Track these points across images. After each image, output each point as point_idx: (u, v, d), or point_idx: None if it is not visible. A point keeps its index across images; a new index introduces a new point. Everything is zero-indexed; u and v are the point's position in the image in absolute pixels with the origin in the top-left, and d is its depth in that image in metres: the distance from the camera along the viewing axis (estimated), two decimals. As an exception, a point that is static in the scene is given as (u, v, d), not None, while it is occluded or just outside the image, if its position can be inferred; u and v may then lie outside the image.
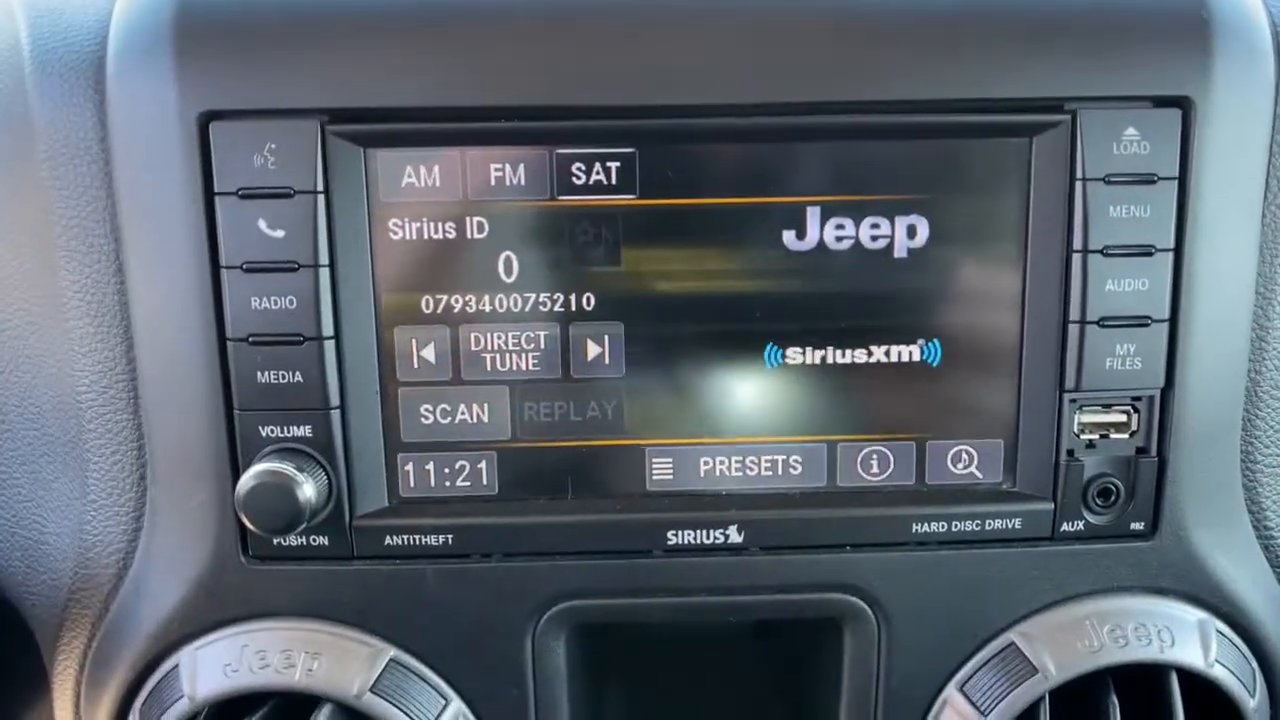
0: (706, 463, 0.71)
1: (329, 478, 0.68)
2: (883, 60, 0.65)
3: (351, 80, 0.65)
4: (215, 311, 0.67)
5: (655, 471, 0.71)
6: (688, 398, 0.70)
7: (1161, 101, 0.66)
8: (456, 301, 0.69)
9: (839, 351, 0.70)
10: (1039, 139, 0.66)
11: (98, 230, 0.69)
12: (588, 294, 0.69)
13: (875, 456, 0.71)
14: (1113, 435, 0.70)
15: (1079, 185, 0.66)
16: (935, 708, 0.74)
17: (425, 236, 0.68)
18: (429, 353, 0.69)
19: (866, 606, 0.72)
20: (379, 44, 0.65)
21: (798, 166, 0.67)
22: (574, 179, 0.67)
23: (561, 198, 0.67)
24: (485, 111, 0.66)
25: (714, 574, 0.71)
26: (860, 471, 0.71)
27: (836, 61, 0.65)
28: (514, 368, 0.70)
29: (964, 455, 0.71)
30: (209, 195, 0.66)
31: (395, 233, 0.68)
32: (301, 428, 0.68)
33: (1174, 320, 0.68)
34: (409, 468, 0.71)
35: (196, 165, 0.65)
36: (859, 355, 0.70)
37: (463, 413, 0.70)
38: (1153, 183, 0.66)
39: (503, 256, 0.68)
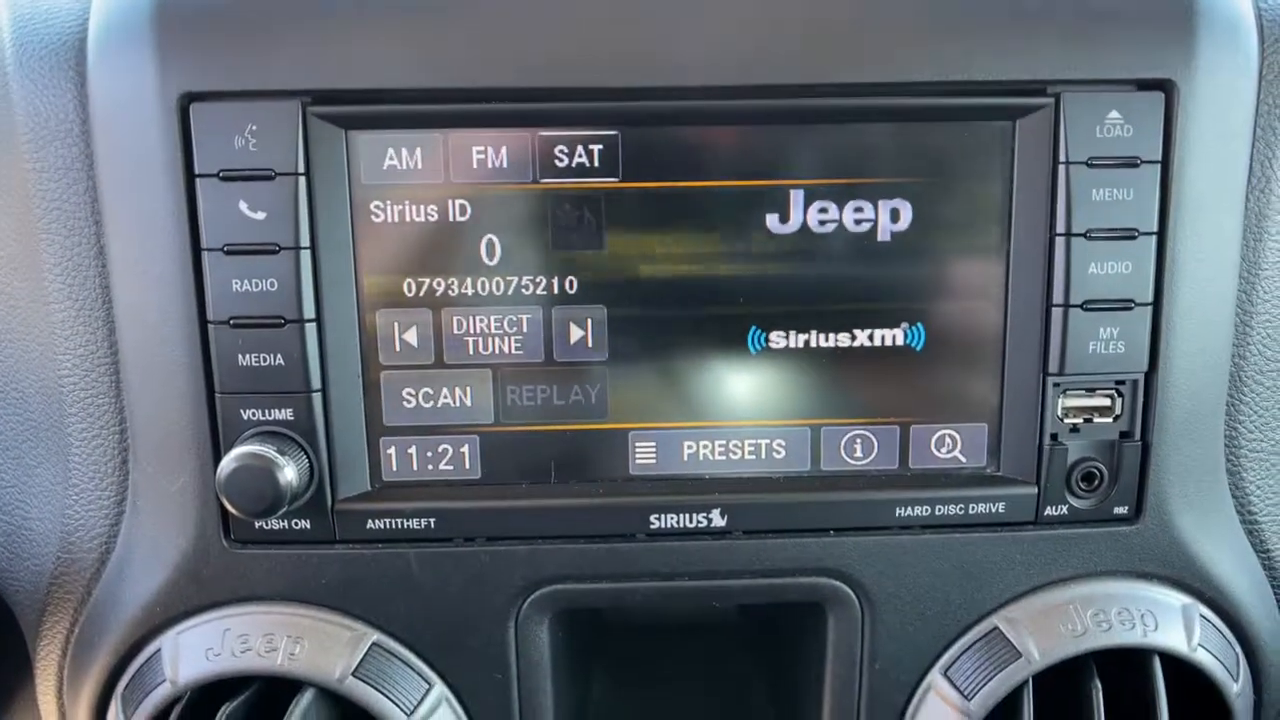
0: (690, 447, 0.71)
1: (310, 461, 0.68)
2: (866, 43, 0.65)
3: (333, 61, 0.65)
4: (196, 294, 0.66)
5: (638, 455, 0.71)
6: (671, 381, 0.70)
7: (1144, 85, 0.66)
8: (439, 285, 0.68)
9: (822, 335, 0.70)
10: (1022, 122, 0.66)
11: (79, 213, 0.69)
12: (570, 277, 0.68)
13: (859, 441, 0.71)
14: (1096, 419, 0.70)
15: (1062, 168, 0.66)
16: (919, 692, 0.74)
17: (407, 219, 0.67)
18: (411, 336, 0.69)
19: (850, 591, 0.72)
20: (361, 25, 0.65)
21: (781, 150, 0.67)
22: (557, 162, 0.67)
23: (544, 180, 0.67)
24: (467, 93, 0.65)
25: (697, 558, 0.71)
26: (844, 455, 0.71)
27: (819, 44, 0.65)
28: (496, 351, 0.69)
29: (948, 439, 0.71)
30: (190, 177, 0.65)
31: (377, 215, 0.67)
32: (283, 410, 0.67)
33: (1157, 304, 0.68)
34: (391, 451, 0.70)
35: (177, 147, 0.65)
36: (842, 339, 0.70)
37: (445, 396, 0.70)
38: (1136, 166, 0.66)
39: (485, 239, 0.68)
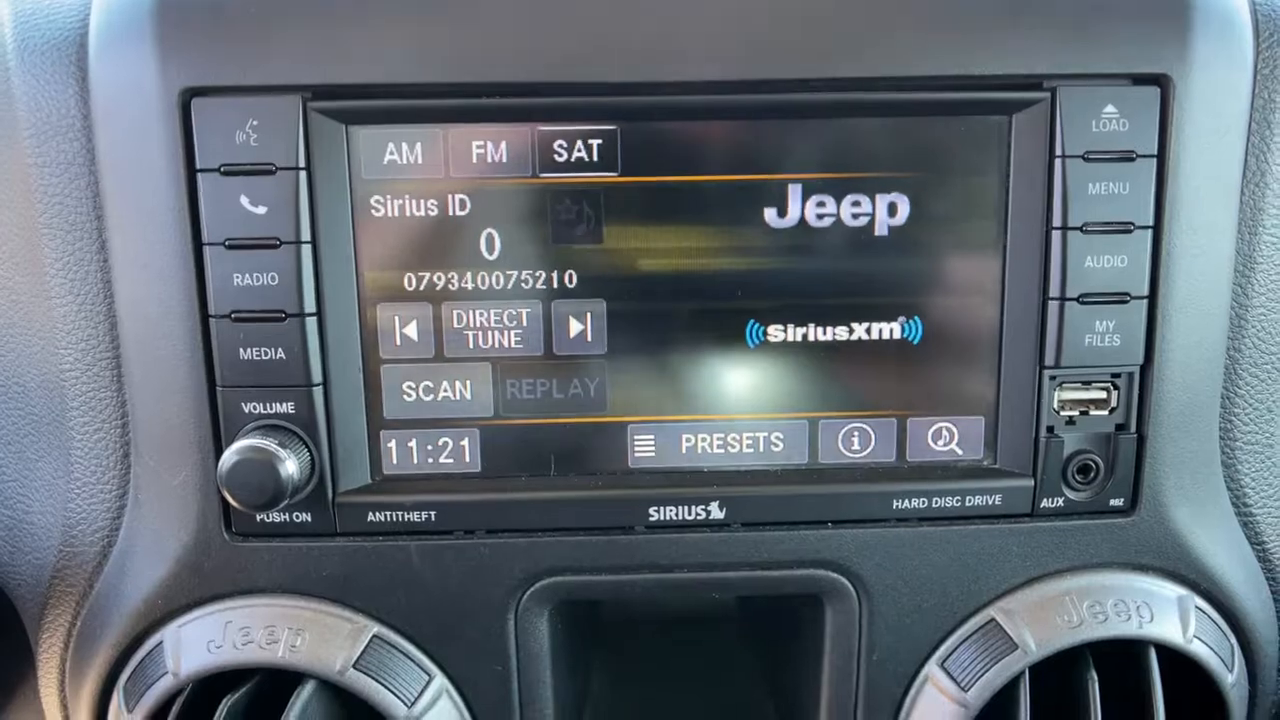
0: (688, 440, 0.71)
1: (311, 454, 0.68)
2: (863, 38, 0.65)
3: (333, 56, 0.65)
4: (198, 288, 0.67)
5: (637, 448, 0.71)
6: (670, 375, 0.70)
7: (1140, 79, 0.66)
8: (439, 279, 0.69)
9: (820, 329, 0.70)
10: (1018, 116, 0.67)
11: (81, 208, 0.69)
12: (570, 271, 0.69)
13: (856, 433, 0.72)
14: (1092, 412, 0.70)
15: (1058, 162, 0.66)
16: (916, 683, 0.74)
17: (407, 214, 0.68)
18: (411, 330, 0.69)
19: (848, 582, 0.72)
20: (361, 20, 0.65)
21: (779, 144, 0.68)
22: (556, 156, 0.67)
23: (543, 175, 0.67)
24: (467, 88, 0.66)
25: (696, 550, 0.71)
26: (841, 448, 0.72)
27: (816, 39, 0.65)
28: (496, 345, 0.70)
29: (945, 432, 0.72)
30: (191, 172, 0.66)
31: (377, 210, 0.68)
32: (284, 404, 0.68)
33: (1153, 297, 0.68)
34: (392, 445, 0.71)
35: (178, 142, 0.65)
36: (840, 333, 0.70)
37: (445, 390, 0.70)
38: (1131, 160, 0.66)
39: (485, 234, 0.68)
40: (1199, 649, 0.72)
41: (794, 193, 0.68)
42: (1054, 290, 0.68)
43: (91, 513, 0.74)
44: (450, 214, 0.68)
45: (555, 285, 0.69)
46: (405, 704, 0.70)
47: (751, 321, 0.70)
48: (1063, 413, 0.70)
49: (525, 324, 0.69)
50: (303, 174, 0.66)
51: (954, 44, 0.65)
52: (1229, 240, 0.70)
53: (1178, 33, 0.66)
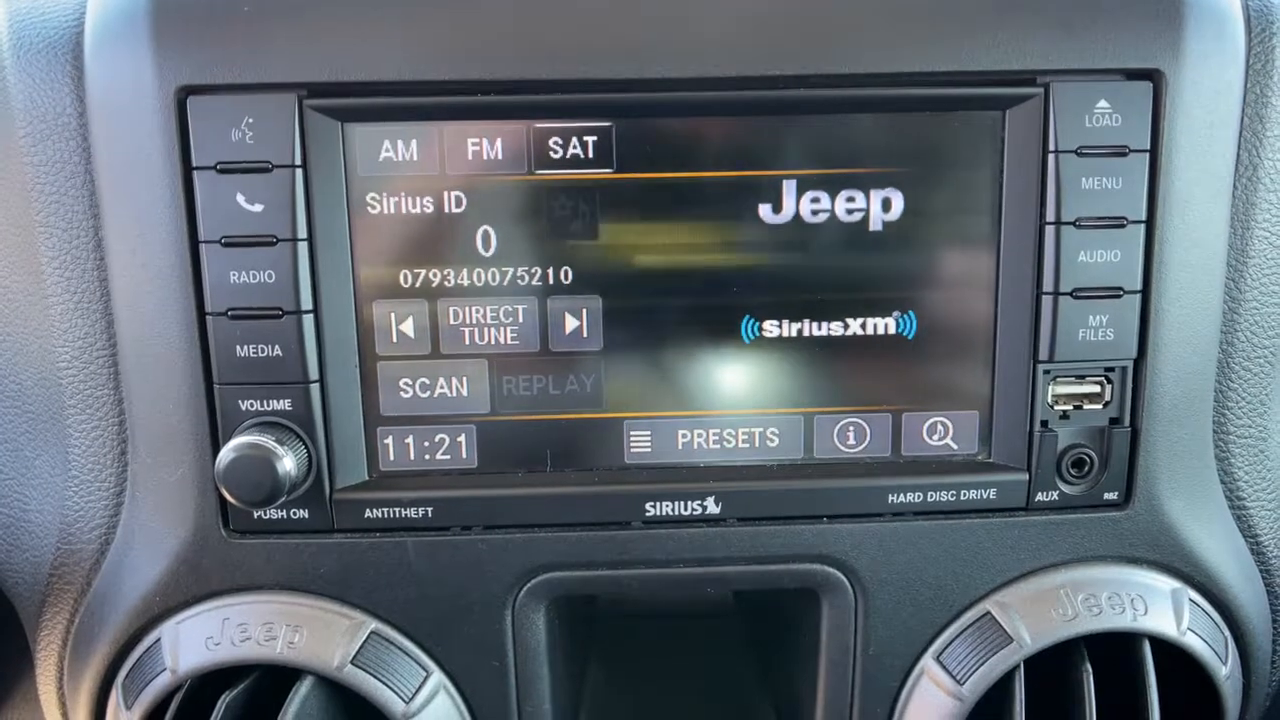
0: (684, 435, 0.72)
1: (308, 451, 0.68)
2: (857, 34, 0.66)
3: (329, 54, 0.65)
4: (194, 286, 0.67)
5: (633, 444, 0.72)
6: (665, 371, 0.71)
7: (1133, 74, 0.66)
8: (435, 276, 0.69)
9: (815, 324, 0.70)
10: (1012, 112, 0.67)
11: (77, 207, 0.70)
12: (565, 267, 0.69)
13: (852, 428, 0.72)
14: (1086, 406, 0.71)
15: (1051, 158, 0.67)
16: (912, 677, 0.75)
17: (403, 211, 0.68)
18: (408, 327, 0.70)
19: (843, 577, 0.72)
20: (356, 18, 0.65)
21: (773, 140, 0.68)
22: (551, 153, 0.67)
23: (539, 172, 0.68)
24: (462, 85, 0.66)
25: (692, 545, 0.71)
26: (837, 443, 0.72)
27: (810, 36, 0.66)
28: (492, 341, 0.70)
29: (939, 427, 0.72)
30: (187, 170, 0.66)
31: (373, 207, 0.68)
32: (281, 401, 0.68)
33: (1146, 291, 0.69)
34: (388, 441, 0.71)
35: (174, 140, 0.65)
36: (835, 328, 0.70)
37: (442, 386, 0.70)
38: (1124, 155, 0.67)
39: (481, 231, 0.68)
40: (1193, 642, 0.72)
41: (789, 188, 0.68)
42: (1048, 285, 0.68)
43: (89, 510, 0.74)
44: (446, 211, 0.68)
45: (551, 282, 0.69)
46: (403, 700, 0.70)
47: (747, 317, 0.70)
48: (1057, 407, 0.70)
49: (521, 320, 0.70)
50: (298, 171, 0.66)
51: (948, 40, 0.65)
52: (1222, 235, 0.70)
53: (1170, 28, 0.66)
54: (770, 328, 0.70)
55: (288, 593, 0.71)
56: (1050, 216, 0.67)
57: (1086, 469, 0.71)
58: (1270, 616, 0.78)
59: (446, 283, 0.69)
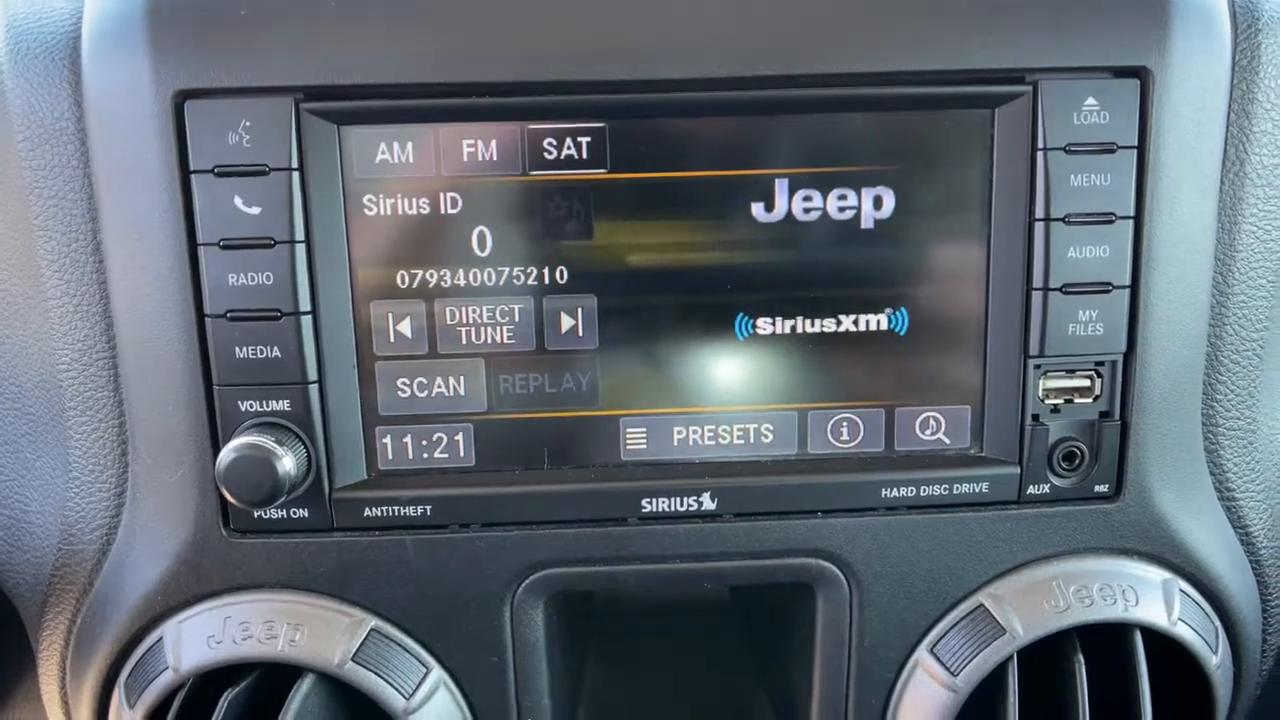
0: (680, 432, 0.72)
1: (308, 451, 0.69)
2: (847, 34, 0.66)
3: (325, 58, 0.66)
4: (193, 288, 0.68)
5: (629, 441, 0.72)
6: (660, 368, 0.71)
7: (1120, 72, 0.67)
8: (431, 276, 0.70)
9: (808, 321, 0.71)
10: (1001, 110, 0.68)
11: (75, 210, 0.70)
12: (561, 267, 0.70)
13: (845, 424, 0.73)
14: (1077, 400, 0.71)
15: (1040, 155, 0.67)
16: (907, 668, 0.75)
17: (399, 212, 0.69)
18: (405, 327, 0.70)
19: (838, 571, 0.73)
20: (352, 21, 0.66)
21: (765, 139, 0.68)
22: (545, 154, 0.68)
23: (533, 173, 0.68)
24: (457, 88, 0.66)
25: (688, 541, 0.72)
26: (830, 439, 0.73)
27: (801, 36, 0.66)
28: (489, 341, 0.71)
29: (932, 421, 0.73)
30: (185, 173, 0.66)
31: (370, 209, 0.68)
32: (280, 402, 0.69)
33: (1135, 286, 0.69)
34: (387, 440, 0.72)
35: (172, 144, 0.66)
36: (828, 324, 0.71)
37: (439, 386, 0.71)
38: (1112, 152, 0.67)
39: (476, 231, 0.69)
40: (1183, 632, 0.73)
41: (781, 187, 0.69)
42: (1037, 281, 0.69)
43: (90, 511, 0.74)
44: (442, 212, 0.69)
45: (546, 281, 0.70)
46: (404, 696, 0.71)
47: (740, 315, 0.71)
48: (1047, 401, 0.71)
49: (517, 320, 0.70)
50: (295, 174, 0.66)
51: (937, 39, 0.66)
52: (1209, 229, 0.71)
53: (1157, 25, 0.67)
54: (764, 325, 0.71)
55: (288, 591, 0.72)
56: (1040, 213, 0.68)
57: (1077, 462, 0.72)
58: (1260, 606, 0.79)
59: (443, 283, 0.70)
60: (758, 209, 0.69)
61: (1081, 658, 0.72)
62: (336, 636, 0.71)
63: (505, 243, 0.69)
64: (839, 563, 0.73)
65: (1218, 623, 0.76)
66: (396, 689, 0.71)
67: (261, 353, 0.68)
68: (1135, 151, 0.68)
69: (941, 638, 0.74)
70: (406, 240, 0.69)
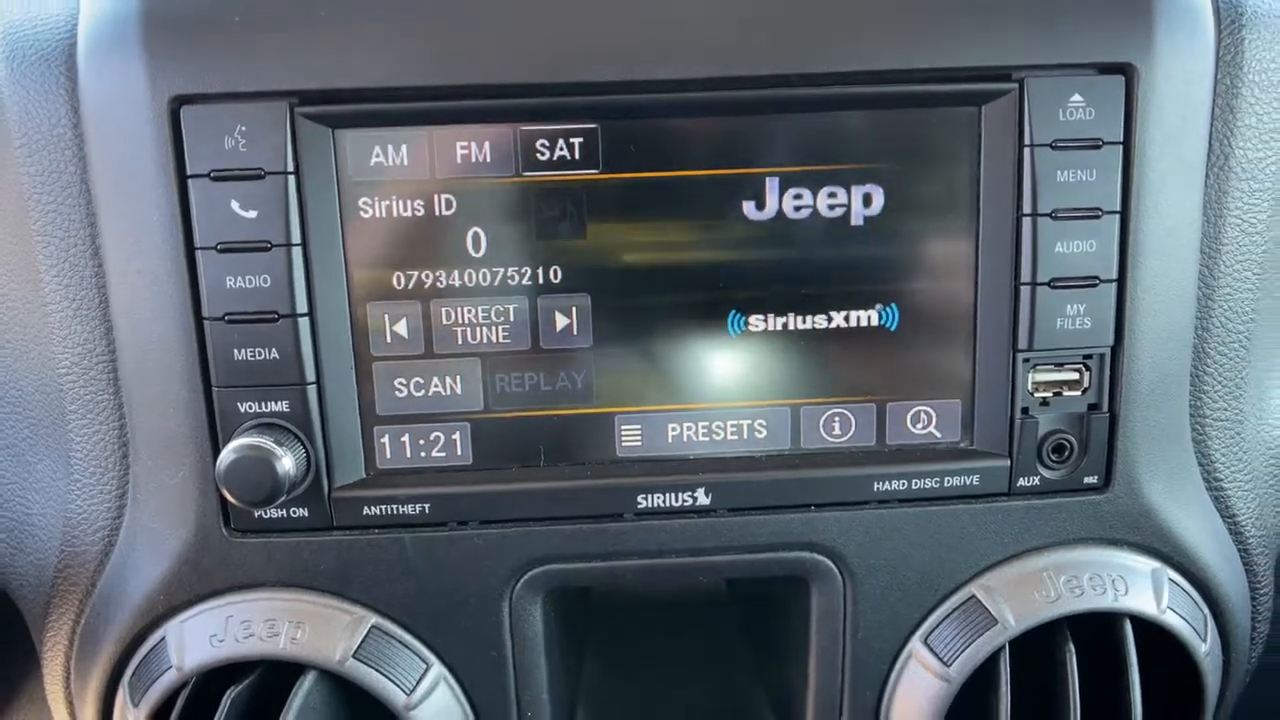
0: (674, 429, 0.73)
1: (307, 451, 0.70)
2: (835, 33, 0.67)
3: (318, 62, 0.66)
4: (191, 291, 0.68)
5: (624, 438, 0.73)
6: (654, 366, 0.72)
7: (1105, 69, 0.68)
8: (427, 277, 0.70)
9: (800, 318, 0.72)
10: (988, 107, 0.69)
11: (73, 215, 0.71)
12: (555, 267, 0.71)
13: (837, 419, 0.74)
14: (1065, 393, 0.72)
15: (1027, 151, 0.68)
16: (900, 660, 0.76)
17: (394, 214, 0.69)
18: (401, 328, 0.71)
19: (832, 564, 0.74)
20: (345, 26, 0.66)
21: (756, 139, 0.69)
22: (538, 155, 0.69)
23: (527, 174, 0.69)
24: (450, 91, 0.67)
25: (683, 535, 0.73)
26: (823, 433, 0.74)
27: (788, 36, 0.67)
28: (485, 340, 0.71)
29: (923, 415, 0.74)
30: (181, 178, 0.67)
31: (365, 211, 0.69)
32: (279, 403, 0.69)
33: (1121, 280, 0.70)
34: (385, 440, 0.73)
35: (168, 149, 0.67)
36: (819, 321, 0.72)
37: (436, 385, 0.72)
38: (1098, 148, 0.68)
39: (471, 232, 0.70)
40: (1172, 620, 0.74)
41: (771, 185, 0.70)
42: (1025, 275, 0.69)
43: (92, 512, 0.75)
44: (436, 213, 0.69)
45: (541, 281, 0.71)
46: (404, 691, 0.72)
47: (733, 312, 0.72)
48: (1037, 394, 0.72)
49: (512, 319, 0.71)
50: (291, 178, 0.67)
51: (924, 37, 0.67)
52: (1195, 223, 0.72)
53: (1141, 22, 0.67)
54: (756, 321, 0.72)
55: (289, 589, 0.73)
56: (1027, 209, 0.69)
57: (1067, 454, 0.73)
58: (1249, 594, 0.80)
59: (439, 284, 0.71)
60: (749, 207, 0.70)
61: (1072, 647, 0.73)
62: (337, 634, 0.72)
63: (499, 243, 0.70)
64: (832, 556, 0.74)
65: (1206, 611, 0.77)
66: (397, 685, 0.72)
67: (260, 354, 0.69)
68: (1121, 147, 0.68)
69: (934, 629, 0.75)
70: (402, 242, 0.70)
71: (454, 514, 0.72)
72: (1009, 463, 0.73)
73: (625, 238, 0.71)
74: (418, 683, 0.73)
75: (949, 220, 0.71)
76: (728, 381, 0.73)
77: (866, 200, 0.70)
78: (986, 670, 0.74)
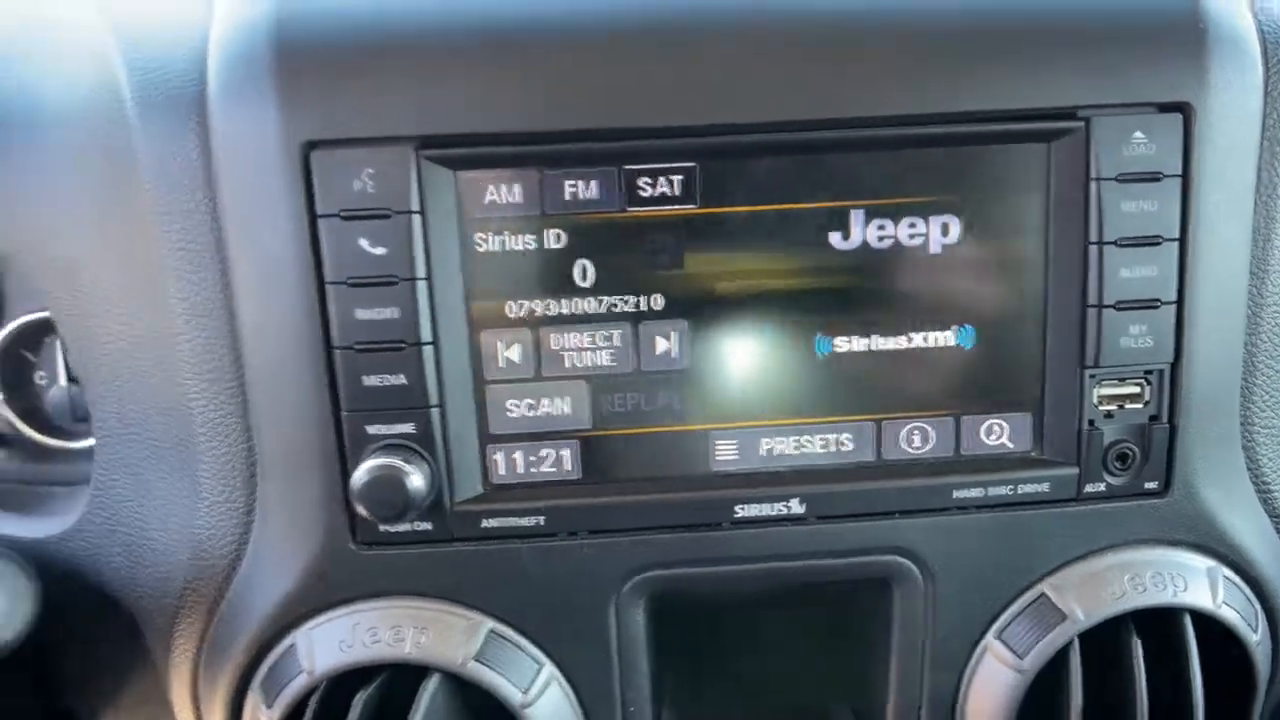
0: (766, 443, 0.79)
1: (431, 469, 0.75)
2: (917, 79, 0.72)
3: (442, 109, 0.71)
4: (321, 323, 0.73)
5: (720, 452, 0.79)
6: (748, 385, 0.78)
7: (1165, 107, 0.74)
8: (538, 306, 0.76)
9: (882, 339, 0.77)
10: (1056, 144, 0.74)
11: (204, 251, 0.75)
12: (656, 295, 0.76)
13: (917, 432, 0.79)
14: (1128, 406, 0.78)
15: (1094, 185, 0.74)
16: (976, 654, 0.82)
17: (508, 248, 0.75)
18: (514, 353, 0.76)
19: (914, 566, 0.80)
20: (466, 75, 0.71)
21: (841, 174, 0.74)
22: (641, 192, 0.74)
23: (631, 209, 0.74)
24: (562, 135, 0.72)
25: (778, 542, 0.78)
26: (904, 445, 0.79)
27: (874, 82, 0.72)
28: (591, 364, 0.77)
29: (996, 428, 0.79)
30: (312, 216, 0.72)
31: (481, 245, 0.74)
32: (405, 425, 0.75)
33: (1179, 302, 0.76)
34: (499, 456, 0.78)
35: (300, 190, 0.71)
36: (900, 341, 0.77)
37: (546, 405, 0.77)
38: (1158, 180, 0.74)
39: (578, 264, 0.75)
40: (1227, 614, 0.80)
41: (856, 218, 0.75)
42: (1093, 298, 0.75)
43: (220, 529, 0.80)
44: (547, 247, 0.75)
45: (643, 308, 0.76)
46: (521, 691, 0.77)
47: (820, 334, 0.77)
48: (1101, 407, 0.78)
49: (616, 344, 0.76)
50: (417, 217, 0.72)
51: (998, 82, 0.72)
52: (1245, 247, 0.78)
53: (1196, 65, 0.73)
54: (841, 343, 0.77)
55: (411, 597, 0.78)
56: (1094, 237, 0.74)
57: (1129, 462, 0.79)
58: None
59: (549, 312, 0.76)
60: (835, 238, 0.76)
61: (1138, 639, 0.78)
62: (458, 638, 0.77)
63: (605, 273, 0.75)
64: (914, 558, 0.80)
65: (1257, 605, 0.83)
66: (514, 685, 0.77)
67: (387, 380, 0.74)
68: (1180, 179, 0.74)
69: (1008, 625, 0.81)
70: (515, 273, 0.75)
71: (565, 525, 0.78)
72: (1077, 470, 0.78)
73: (720, 267, 0.76)
74: (532, 682, 0.78)
75: (1021, 247, 0.76)
76: (815, 399, 0.78)
77: (944, 230, 0.76)
78: (1056, 664, 0.79)
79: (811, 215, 0.75)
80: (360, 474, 0.72)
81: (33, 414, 0.92)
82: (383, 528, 0.77)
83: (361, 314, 0.73)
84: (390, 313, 0.73)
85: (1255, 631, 0.81)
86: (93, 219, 0.78)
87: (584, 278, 0.76)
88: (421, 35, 0.73)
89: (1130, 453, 0.79)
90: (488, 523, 0.77)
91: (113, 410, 0.81)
